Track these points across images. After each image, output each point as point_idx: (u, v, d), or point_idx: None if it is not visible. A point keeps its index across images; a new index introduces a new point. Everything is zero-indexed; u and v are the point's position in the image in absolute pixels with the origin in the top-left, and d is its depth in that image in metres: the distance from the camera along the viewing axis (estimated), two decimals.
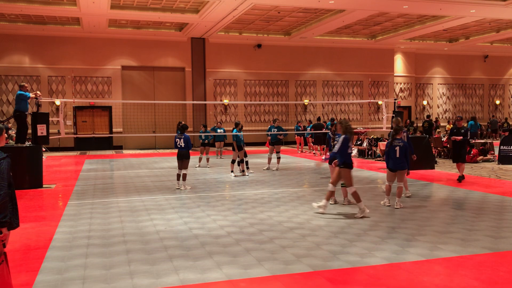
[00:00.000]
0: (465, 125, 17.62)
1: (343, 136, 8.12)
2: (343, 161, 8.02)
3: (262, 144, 25.00)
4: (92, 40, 23.88)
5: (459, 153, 11.71)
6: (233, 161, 13.49)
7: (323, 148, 19.28)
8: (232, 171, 13.44)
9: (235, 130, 13.69)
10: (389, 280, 4.87)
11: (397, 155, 8.64)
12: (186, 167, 11.11)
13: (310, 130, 20.74)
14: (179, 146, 11.09)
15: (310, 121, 23.28)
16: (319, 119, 20.88)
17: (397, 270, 5.16)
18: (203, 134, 15.88)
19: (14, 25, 22.09)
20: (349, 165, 8.03)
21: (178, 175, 11.22)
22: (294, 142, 26.78)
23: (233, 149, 13.47)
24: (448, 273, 5.05)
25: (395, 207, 8.55)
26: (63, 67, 23.66)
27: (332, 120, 18.40)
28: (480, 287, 4.67)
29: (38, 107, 12.18)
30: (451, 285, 4.70)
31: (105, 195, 10.38)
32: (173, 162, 17.38)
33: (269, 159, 14.99)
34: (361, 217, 7.74)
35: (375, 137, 19.24)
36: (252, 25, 23.59)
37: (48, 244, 6.34)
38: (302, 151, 21.60)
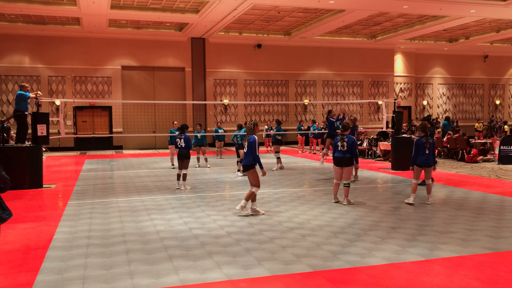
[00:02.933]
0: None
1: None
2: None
3: (262, 144, 25.01)
4: (92, 40, 23.88)
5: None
6: (241, 160, 13.53)
7: (323, 148, 19.25)
8: (238, 170, 13.49)
9: (243, 130, 13.75)
10: (389, 280, 4.87)
11: (426, 152, 8.83)
12: (186, 167, 11.10)
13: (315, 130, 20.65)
14: (179, 146, 11.10)
15: (313, 121, 23.21)
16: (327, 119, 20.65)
17: (397, 270, 5.16)
18: (199, 134, 15.87)
19: (14, 25, 22.09)
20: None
21: (178, 175, 11.22)
22: (294, 142, 26.79)
23: (238, 150, 13.57)
24: (448, 273, 5.05)
25: (427, 202, 8.86)
26: (63, 67, 23.66)
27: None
28: (480, 287, 4.67)
29: (38, 107, 12.17)
30: (451, 285, 4.70)
31: (105, 195, 10.38)
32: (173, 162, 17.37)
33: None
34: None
35: (375, 137, 19.24)
36: (252, 25, 23.59)
37: (48, 244, 6.34)
38: (302, 151, 21.60)
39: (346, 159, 8.90)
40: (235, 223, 7.47)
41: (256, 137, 8.11)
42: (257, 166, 8.05)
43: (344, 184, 8.94)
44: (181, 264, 5.41)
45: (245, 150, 8.15)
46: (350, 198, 9.10)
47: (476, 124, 28.86)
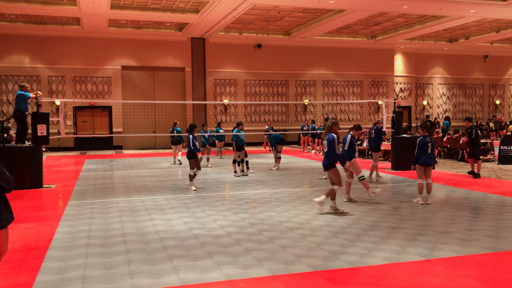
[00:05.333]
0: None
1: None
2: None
3: (261, 144, 24.99)
4: (92, 40, 23.88)
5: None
6: (234, 161, 13.49)
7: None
8: (235, 171, 13.44)
9: (235, 130, 13.69)
10: (389, 280, 4.87)
11: (429, 151, 8.90)
12: (191, 167, 10.97)
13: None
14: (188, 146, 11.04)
15: (312, 121, 23.16)
16: (327, 119, 20.69)
17: (397, 270, 5.16)
18: (206, 134, 16.01)
19: (14, 25, 22.09)
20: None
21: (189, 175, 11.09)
22: (295, 142, 26.78)
23: (233, 149, 13.50)
24: (448, 273, 5.05)
25: (427, 202, 8.83)
26: (63, 67, 23.66)
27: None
28: (480, 287, 4.67)
29: (38, 107, 12.18)
30: (451, 285, 4.70)
31: (105, 195, 10.38)
32: (173, 162, 17.40)
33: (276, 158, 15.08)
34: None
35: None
36: (252, 25, 23.59)
37: (48, 244, 6.34)
38: (305, 151, 21.59)
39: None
40: (235, 223, 7.47)
41: (335, 136, 8.17)
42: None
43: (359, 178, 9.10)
44: (181, 264, 5.41)
45: (325, 150, 8.17)
46: (352, 196, 9.30)
47: (491, 124, 28.59)
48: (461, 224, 7.25)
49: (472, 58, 31.98)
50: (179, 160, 16.80)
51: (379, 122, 13.21)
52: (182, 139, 16.86)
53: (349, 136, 9.18)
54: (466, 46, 29.33)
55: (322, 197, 8.16)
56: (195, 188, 10.97)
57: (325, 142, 8.21)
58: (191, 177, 11.04)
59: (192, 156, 10.93)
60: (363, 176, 9.12)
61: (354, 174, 9.17)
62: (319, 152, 20.21)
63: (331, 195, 8.15)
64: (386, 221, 7.49)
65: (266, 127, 22.18)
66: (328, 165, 8.14)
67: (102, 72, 24.22)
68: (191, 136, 10.87)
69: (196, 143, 10.89)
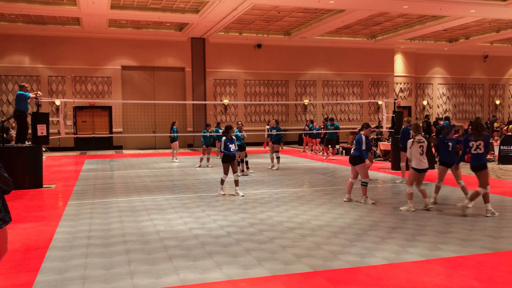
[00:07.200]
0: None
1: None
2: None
3: (261, 144, 25.00)
4: (92, 40, 23.88)
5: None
6: (241, 161, 13.49)
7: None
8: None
9: (236, 130, 13.71)
10: (389, 280, 4.87)
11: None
12: (224, 171, 10.13)
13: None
14: None
15: (311, 121, 23.13)
16: (326, 119, 20.69)
17: (397, 270, 5.16)
18: (207, 134, 16.16)
19: (14, 25, 22.09)
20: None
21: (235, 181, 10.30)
22: (294, 142, 26.78)
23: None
24: (448, 273, 5.05)
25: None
26: (63, 67, 23.66)
27: (332, 120, 18.28)
28: (480, 287, 4.67)
29: (38, 107, 12.18)
30: (451, 285, 4.70)
31: (105, 195, 10.38)
32: (172, 162, 17.39)
33: (272, 158, 15.10)
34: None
35: (375, 137, 19.22)
36: (252, 25, 23.59)
37: (48, 244, 6.34)
38: (305, 151, 21.58)
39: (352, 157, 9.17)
40: (235, 223, 7.47)
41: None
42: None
43: (362, 183, 9.10)
44: (181, 264, 5.41)
45: (475, 151, 7.86)
46: (352, 196, 9.32)
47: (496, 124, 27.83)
48: (461, 224, 7.25)
49: (472, 58, 31.98)
50: (172, 159, 17.69)
51: (410, 121, 12.86)
52: (177, 138, 17.96)
53: (363, 136, 9.05)
54: (466, 46, 29.33)
55: (470, 203, 7.94)
56: (223, 193, 10.21)
57: (475, 143, 7.80)
58: (223, 182, 10.26)
59: (225, 160, 10.05)
60: (367, 182, 9.09)
61: (360, 176, 9.07)
62: (320, 153, 20.17)
63: (486, 198, 7.79)
64: (386, 221, 7.49)
65: (267, 127, 22.16)
66: (480, 166, 7.78)
67: (102, 72, 24.22)
68: (224, 138, 9.97)
69: (231, 146, 9.92)
